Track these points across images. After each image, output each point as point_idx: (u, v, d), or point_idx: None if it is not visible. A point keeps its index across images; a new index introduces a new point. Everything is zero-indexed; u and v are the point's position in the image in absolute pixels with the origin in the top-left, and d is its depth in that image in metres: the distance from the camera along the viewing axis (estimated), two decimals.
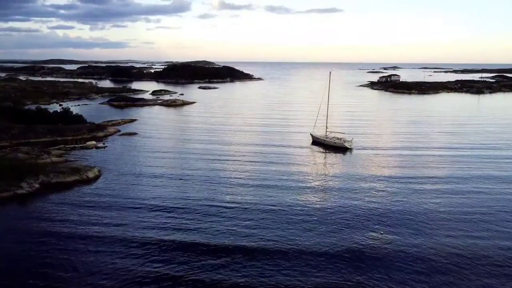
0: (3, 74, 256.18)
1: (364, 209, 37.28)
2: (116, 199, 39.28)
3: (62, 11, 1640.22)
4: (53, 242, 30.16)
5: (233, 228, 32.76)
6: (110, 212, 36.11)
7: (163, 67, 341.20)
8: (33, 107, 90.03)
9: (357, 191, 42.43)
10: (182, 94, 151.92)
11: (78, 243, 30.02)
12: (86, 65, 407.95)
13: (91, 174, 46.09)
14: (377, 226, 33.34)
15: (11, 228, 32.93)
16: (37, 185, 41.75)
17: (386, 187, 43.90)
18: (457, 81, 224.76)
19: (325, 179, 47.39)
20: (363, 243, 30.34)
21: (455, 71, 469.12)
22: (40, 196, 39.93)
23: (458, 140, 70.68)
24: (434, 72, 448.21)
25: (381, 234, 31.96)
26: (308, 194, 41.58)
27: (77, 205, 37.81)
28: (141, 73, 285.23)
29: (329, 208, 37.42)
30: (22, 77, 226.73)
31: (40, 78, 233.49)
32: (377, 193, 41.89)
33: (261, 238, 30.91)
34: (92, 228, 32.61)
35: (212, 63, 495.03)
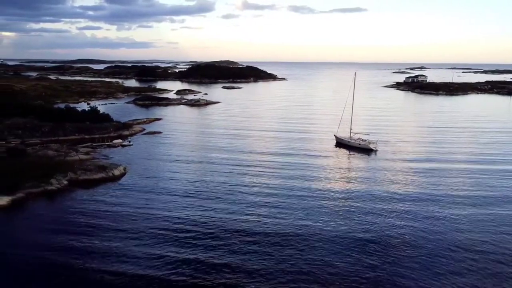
0: (34, 74, 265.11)
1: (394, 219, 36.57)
2: (141, 197, 39.89)
3: (90, 12, 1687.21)
4: (80, 236, 30.91)
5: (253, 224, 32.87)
6: (135, 209, 36.67)
7: (187, 67, 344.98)
8: (62, 105, 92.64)
9: (382, 198, 41.31)
10: (206, 94, 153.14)
11: (104, 238, 30.67)
12: (113, 64, 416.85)
13: (117, 172, 47.01)
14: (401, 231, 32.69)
15: (41, 222, 33.96)
16: (65, 182, 42.90)
17: (412, 193, 42.83)
18: (487, 82, 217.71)
19: (350, 181, 46.78)
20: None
21: (485, 72, 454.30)
22: (68, 193, 41.02)
23: (486, 148, 68.40)
24: (463, 72, 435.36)
25: (406, 238, 31.35)
26: (332, 198, 41.11)
27: (103, 201, 38.64)
28: (166, 73, 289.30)
29: (354, 213, 36.91)
30: (52, 77, 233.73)
31: (69, 78, 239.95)
32: (403, 200, 40.98)
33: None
34: (117, 224, 33.25)
35: (236, 63, 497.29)
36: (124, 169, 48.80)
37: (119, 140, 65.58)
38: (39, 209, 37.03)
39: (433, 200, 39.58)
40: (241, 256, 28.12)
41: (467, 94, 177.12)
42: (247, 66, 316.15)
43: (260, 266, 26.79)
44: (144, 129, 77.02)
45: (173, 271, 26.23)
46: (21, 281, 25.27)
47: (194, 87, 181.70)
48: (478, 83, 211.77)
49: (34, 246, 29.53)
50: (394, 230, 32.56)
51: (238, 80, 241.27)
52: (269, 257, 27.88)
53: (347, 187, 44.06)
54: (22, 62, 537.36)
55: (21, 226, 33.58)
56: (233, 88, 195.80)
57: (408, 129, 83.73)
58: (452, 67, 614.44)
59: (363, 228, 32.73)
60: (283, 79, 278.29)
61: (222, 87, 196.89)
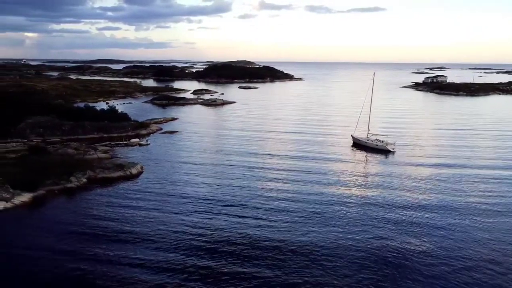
0: (55, 73, 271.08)
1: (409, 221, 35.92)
2: (156, 198, 40.11)
3: (109, 13, 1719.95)
4: (94, 238, 31.29)
5: (267, 231, 32.70)
6: (150, 211, 36.73)
7: (204, 66, 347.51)
8: (82, 104, 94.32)
9: (401, 204, 40.12)
10: (222, 94, 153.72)
11: (120, 236, 31.09)
12: (131, 64, 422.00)
13: (134, 171, 47.61)
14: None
15: (60, 219, 34.59)
16: (84, 180, 43.70)
17: (431, 199, 41.85)
18: (509, 82, 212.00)
19: (366, 185, 46.18)
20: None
21: (508, 72, 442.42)
22: (87, 190, 41.73)
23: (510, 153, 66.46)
24: (485, 72, 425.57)
25: (424, 241, 30.74)
26: (349, 204, 40.61)
27: (120, 199, 39.17)
28: (183, 73, 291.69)
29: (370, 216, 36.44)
30: (72, 76, 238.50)
31: (88, 77, 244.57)
32: (420, 204, 40.23)
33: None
34: (132, 227, 33.53)
35: (252, 63, 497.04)
36: (141, 168, 49.37)
37: (137, 139, 66.43)
38: (58, 207, 37.62)
39: (454, 207, 38.06)
40: (254, 263, 27.41)
41: (488, 94, 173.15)
42: (264, 66, 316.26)
43: (272, 274, 26.04)
44: (161, 129, 77.82)
45: (185, 277, 25.72)
46: (30, 283, 25.32)
47: (210, 87, 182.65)
48: (500, 83, 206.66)
49: (46, 247, 29.46)
50: (412, 239, 31.48)
51: (255, 80, 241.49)
52: (282, 265, 27.18)
53: (364, 192, 43.22)
54: (43, 62, 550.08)
55: (39, 226, 33.84)
56: (250, 88, 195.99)
57: (427, 131, 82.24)
58: (473, 67, 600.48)
59: (379, 237, 31.68)
60: (299, 79, 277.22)
61: (238, 87, 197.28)
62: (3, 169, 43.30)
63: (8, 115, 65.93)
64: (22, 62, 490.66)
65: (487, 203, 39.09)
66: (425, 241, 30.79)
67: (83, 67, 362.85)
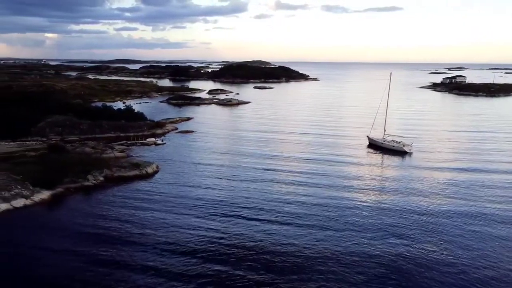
0: (74, 73, 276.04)
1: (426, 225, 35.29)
2: (171, 196, 40.47)
3: (127, 14, 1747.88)
4: (110, 234, 31.78)
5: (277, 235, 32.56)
6: (165, 209, 37.16)
7: (219, 66, 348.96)
8: (99, 104, 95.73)
9: (419, 211, 39.32)
10: (237, 94, 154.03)
11: (133, 237, 31.39)
12: (148, 64, 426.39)
13: (150, 170, 48.11)
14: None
15: (76, 218, 35.19)
16: (101, 178, 44.39)
17: (450, 205, 40.93)
18: None
19: (382, 190, 45.50)
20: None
21: None
22: (103, 189, 42.36)
23: None
24: (506, 73, 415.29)
25: (443, 248, 30.12)
26: (364, 209, 40.11)
27: (135, 200, 39.51)
28: (199, 73, 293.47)
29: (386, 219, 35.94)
30: (90, 76, 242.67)
31: (106, 77, 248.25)
32: (436, 208, 39.46)
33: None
34: (147, 224, 33.92)
35: (268, 63, 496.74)
36: (157, 167, 49.83)
37: (153, 139, 67.09)
38: (75, 206, 38.17)
39: (475, 213, 36.81)
40: (268, 267, 27.00)
41: (509, 95, 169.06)
42: (279, 66, 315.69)
43: (286, 278, 25.70)
44: (177, 128, 78.40)
45: (198, 282, 25.45)
46: (41, 282, 25.52)
47: (226, 87, 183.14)
48: None
49: (59, 247, 29.73)
50: (431, 245, 30.58)
51: (270, 80, 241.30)
52: (298, 270, 26.74)
53: (381, 196, 42.45)
54: (63, 62, 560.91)
55: (55, 225, 34.27)
56: (265, 88, 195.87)
57: (445, 132, 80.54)
58: (494, 67, 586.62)
59: (397, 242, 31.02)
60: (315, 79, 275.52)
61: (253, 87, 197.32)
62: (24, 167, 44.32)
63: (29, 114, 67.46)
64: (42, 62, 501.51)
65: (510, 210, 37.80)
66: (444, 247, 30.10)
67: (101, 67, 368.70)
